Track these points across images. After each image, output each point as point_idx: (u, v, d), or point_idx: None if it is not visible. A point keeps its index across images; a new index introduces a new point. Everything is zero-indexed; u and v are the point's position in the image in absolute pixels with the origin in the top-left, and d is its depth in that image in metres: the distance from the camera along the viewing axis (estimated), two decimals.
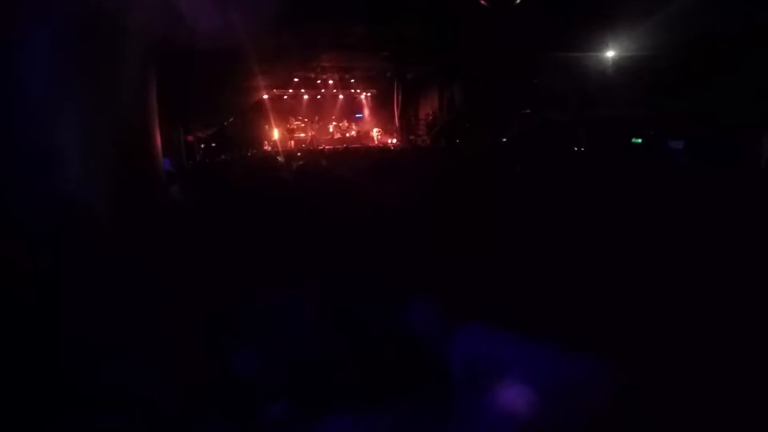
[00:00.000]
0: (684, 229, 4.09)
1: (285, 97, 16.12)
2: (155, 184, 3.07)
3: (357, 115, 17.94)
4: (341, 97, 17.18)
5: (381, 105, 17.29)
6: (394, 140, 16.37)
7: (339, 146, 15.57)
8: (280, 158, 12.57)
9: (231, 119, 12.71)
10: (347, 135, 17.13)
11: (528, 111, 10.94)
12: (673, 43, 7.07)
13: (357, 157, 12.46)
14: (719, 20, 6.46)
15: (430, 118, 15.64)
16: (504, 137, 11.39)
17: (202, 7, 5.92)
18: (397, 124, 16.45)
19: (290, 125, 16.13)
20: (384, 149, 14.76)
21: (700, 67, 7.04)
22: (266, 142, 15.26)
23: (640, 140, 7.80)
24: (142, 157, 2.98)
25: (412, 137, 15.78)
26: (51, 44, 2.72)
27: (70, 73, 2.80)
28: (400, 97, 16.07)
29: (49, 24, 2.71)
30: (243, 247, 4.30)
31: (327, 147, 15.59)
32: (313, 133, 16.54)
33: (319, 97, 16.86)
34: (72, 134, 2.79)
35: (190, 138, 10.51)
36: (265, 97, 14.92)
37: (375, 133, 17.08)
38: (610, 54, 8.54)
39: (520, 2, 7.07)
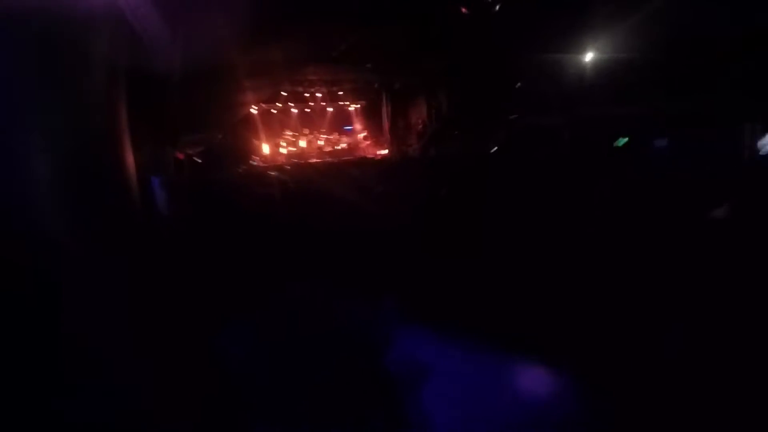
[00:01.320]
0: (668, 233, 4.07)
1: (273, 111, 16.13)
2: (126, 197, 3.04)
3: (347, 128, 17.98)
4: (330, 109, 17.21)
5: (370, 116, 17.33)
6: (385, 151, 16.38)
7: (330, 159, 15.56)
8: (273, 173, 12.52)
9: (219, 136, 12.66)
10: (337, 148, 17.14)
11: (515, 116, 10.97)
12: (657, 42, 7.14)
13: (346, 169, 12.42)
14: (702, 21, 6.54)
15: (420, 127, 15.69)
16: (492, 143, 11.41)
17: (173, 31, 5.90)
18: (386, 134, 16.48)
19: (279, 140, 16.13)
20: (374, 160, 14.73)
21: (685, 66, 7.11)
22: (255, 157, 15.23)
23: (626, 140, 7.85)
24: (110, 170, 2.95)
25: (402, 147, 15.80)
26: (14, 57, 2.67)
27: (31, 86, 2.76)
28: (389, 108, 16.12)
29: (11, 37, 2.67)
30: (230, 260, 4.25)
31: (317, 160, 15.57)
32: (303, 146, 16.53)
33: (308, 110, 16.87)
34: (33, 142, 2.73)
35: (181, 155, 10.46)
36: (254, 112, 14.93)
37: (365, 144, 17.11)
38: (593, 55, 8.61)
39: (500, 7, 7.17)
